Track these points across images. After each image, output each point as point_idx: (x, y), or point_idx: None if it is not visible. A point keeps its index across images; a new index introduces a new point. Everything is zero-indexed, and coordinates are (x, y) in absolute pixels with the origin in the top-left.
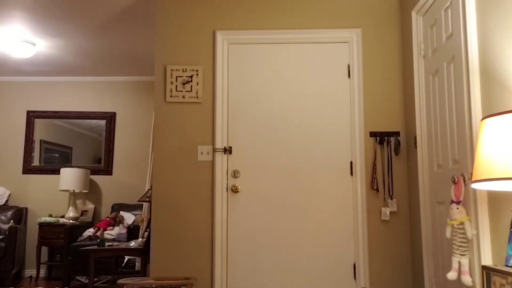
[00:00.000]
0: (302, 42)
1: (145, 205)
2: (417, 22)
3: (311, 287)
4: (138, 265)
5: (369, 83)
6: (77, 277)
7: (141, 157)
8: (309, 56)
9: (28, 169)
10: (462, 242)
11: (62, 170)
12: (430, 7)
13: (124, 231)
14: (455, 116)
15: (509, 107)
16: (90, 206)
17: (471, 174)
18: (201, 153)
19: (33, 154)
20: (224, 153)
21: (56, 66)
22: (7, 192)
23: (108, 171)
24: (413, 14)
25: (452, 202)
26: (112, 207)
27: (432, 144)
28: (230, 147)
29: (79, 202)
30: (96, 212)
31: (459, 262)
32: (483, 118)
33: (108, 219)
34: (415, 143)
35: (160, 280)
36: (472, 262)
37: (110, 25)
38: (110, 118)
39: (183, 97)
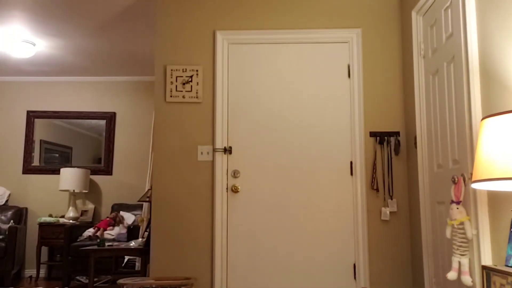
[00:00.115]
0: (302, 42)
1: (145, 205)
2: (417, 22)
3: (311, 287)
4: (138, 265)
5: (369, 83)
6: (77, 277)
7: (141, 157)
8: (309, 56)
9: (28, 169)
10: (462, 242)
11: (62, 170)
12: (430, 7)
13: (124, 231)
14: (455, 116)
15: (509, 107)
16: (90, 206)
17: (471, 174)
18: (201, 153)
19: (33, 154)
20: (224, 153)
21: (56, 66)
22: (7, 192)
23: (108, 171)
24: (413, 14)
25: (452, 202)
26: (112, 207)
27: (432, 144)
28: (230, 147)
29: (79, 202)
30: (96, 212)
31: (459, 262)
32: (483, 118)
33: (108, 219)
34: (415, 143)
35: (160, 280)
36: (472, 262)
37: (110, 25)
38: (110, 118)
39: (183, 97)
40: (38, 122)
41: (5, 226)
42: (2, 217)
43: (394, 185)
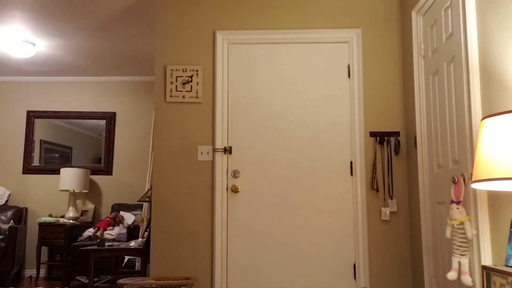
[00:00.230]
0: (302, 42)
1: (145, 205)
2: (417, 22)
3: (311, 287)
4: (138, 265)
5: (369, 83)
6: (77, 277)
7: (141, 157)
8: (309, 56)
9: (28, 169)
10: (462, 242)
11: (62, 170)
12: (430, 7)
13: (124, 231)
14: (455, 116)
15: (509, 107)
16: (90, 206)
17: (471, 174)
18: (201, 153)
19: (33, 154)
20: (224, 153)
21: (56, 66)
22: (7, 192)
23: (108, 171)
24: (413, 14)
25: (452, 202)
26: (112, 207)
27: (432, 144)
28: (230, 147)
29: (79, 202)
30: (96, 212)
31: (459, 262)
32: (483, 118)
33: (108, 219)
34: (415, 143)
35: (160, 280)
36: (472, 262)
37: (110, 25)
38: (110, 118)
39: (183, 97)
40: (38, 122)
41: (5, 226)
42: (2, 217)
43: (394, 185)
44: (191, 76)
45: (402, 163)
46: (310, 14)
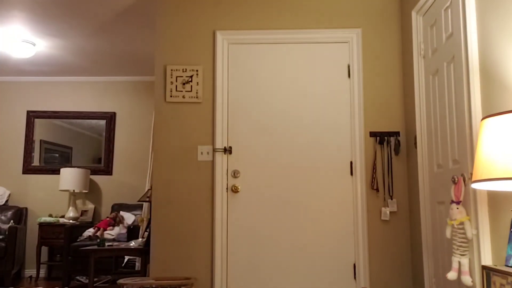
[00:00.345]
0: (302, 42)
1: (145, 205)
2: (417, 22)
3: (311, 287)
4: (138, 265)
5: (369, 83)
6: (77, 277)
7: (141, 157)
8: (309, 56)
9: (28, 169)
10: (462, 242)
11: (62, 170)
12: (430, 7)
13: (124, 231)
14: (455, 116)
15: (509, 107)
16: (90, 206)
17: (471, 174)
18: (201, 153)
19: (33, 154)
20: (224, 153)
21: (56, 66)
22: (7, 192)
23: (108, 171)
24: (413, 14)
25: (452, 202)
26: (112, 207)
27: (432, 144)
28: (230, 147)
29: (79, 202)
30: (96, 212)
31: (459, 262)
32: (483, 118)
33: (108, 219)
34: (415, 143)
35: (160, 280)
36: (472, 262)
37: (110, 25)
38: (110, 118)
39: (183, 97)
40: (38, 122)
41: (5, 226)
42: (2, 217)
43: (394, 185)
44: (191, 76)
45: (402, 163)
46: (310, 14)
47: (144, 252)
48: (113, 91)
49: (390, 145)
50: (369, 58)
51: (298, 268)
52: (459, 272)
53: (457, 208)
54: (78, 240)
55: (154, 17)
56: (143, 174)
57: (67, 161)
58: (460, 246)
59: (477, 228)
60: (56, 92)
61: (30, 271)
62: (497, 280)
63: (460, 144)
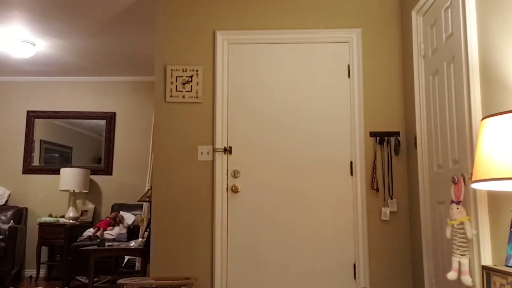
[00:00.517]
0: (302, 42)
1: (145, 205)
2: (417, 22)
3: (311, 287)
4: (138, 265)
5: (369, 83)
6: (77, 277)
7: (141, 157)
8: (309, 56)
9: (28, 169)
10: (462, 242)
11: (62, 170)
12: (430, 7)
13: (124, 231)
14: (455, 116)
15: (509, 107)
16: (90, 206)
17: (471, 174)
18: (201, 153)
19: (33, 154)
20: (224, 153)
21: (56, 66)
22: (7, 192)
23: (108, 171)
24: (413, 14)
25: (452, 202)
26: (112, 207)
27: (432, 144)
28: (230, 147)
29: (79, 202)
30: (96, 212)
31: (459, 262)
32: (483, 118)
33: (108, 219)
34: (415, 143)
35: (160, 280)
36: (472, 262)
37: (110, 25)
38: (110, 118)
39: (183, 97)
40: (38, 122)
41: (5, 226)
42: (2, 217)
43: (394, 185)
44: (191, 76)
45: (402, 163)
46: (310, 14)
47: (144, 252)
48: (113, 91)
49: (390, 145)
50: (369, 58)
51: (298, 268)
52: (459, 272)
53: (457, 208)
54: (78, 240)
55: (154, 17)
56: (143, 174)
57: (67, 161)
58: (460, 246)
59: (477, 228)
60: (56, 92)
61: (30, 271)
62: (497, 280)
63: (460, 144)
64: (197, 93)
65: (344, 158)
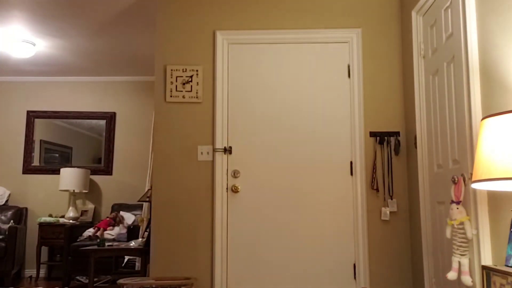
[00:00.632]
0: (302, 42)
1: (145, 205)
2: (417, 22)
3: (311, 287)
4: (138, 265)
5: (369, 83)
6: (77, 277)
7: (141, 157)
8: (309, 56)
9: (28, 169)
10: (462, 242)
11: (62, 170)
12: (430, 7)
13: (124, 231)
14: (455, 116)
15: (509, 107)
16: (90, 206)
17: (471, 174)
18: (201, 153)
19: (33, 154)
20: (224, 153)
21: (56, 66)
22: (7, 192)
23: (108, 171)
24: (413, 14)
25: (452, 202)
26: (112, 207)
27: (432, 144)
28: (230, 147)
29: (79, 202)
30: (96, 212)
31: (459, 262)
32: (483, 118)
33: (108, 219)
34: (415, 143)
35: (160, 280)
36: (472, 262)
37: (110, 25)
38: (110, 118)
39: (183, 97)
40: (38, 122)
41: (5, 226)
42: (2, 217)
43: (394, 185)
44: (191, 76)
45: (402, 163)
46: (310, 14)
47: (144, 252)
48: (113, 91)
49: (390, 145)
50: (369, 58)
51: (298, 268)
52: (459, 272)
53: (457, 208)
54: (78, 240)
55: (154, 17)
56: (143, 174)
57: (67, 161)
58: (460, 246)
59: (477, 228)
60: (56, 92)
61: (30, 271)
62: (497, 280)
63: (460, 144)
64: (197, 93)
65: (344, 158)
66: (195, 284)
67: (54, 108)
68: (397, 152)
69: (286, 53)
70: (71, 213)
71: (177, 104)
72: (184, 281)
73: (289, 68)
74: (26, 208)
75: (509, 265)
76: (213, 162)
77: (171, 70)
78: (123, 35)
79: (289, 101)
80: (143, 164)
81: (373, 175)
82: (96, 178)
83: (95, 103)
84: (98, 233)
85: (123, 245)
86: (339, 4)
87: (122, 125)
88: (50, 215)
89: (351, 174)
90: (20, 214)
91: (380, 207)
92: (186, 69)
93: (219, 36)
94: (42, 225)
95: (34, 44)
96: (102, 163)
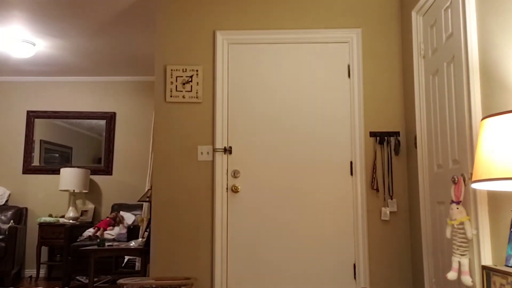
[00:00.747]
0: (302, 42)
1: (145, 205)
2: (417, 22)
3: (311, 287)
4: (138, 265)
5: (369, 83)
6: (77, 277)
7: (141, 157)
8: (309, 56)
9: (28, 169)
10: (462, 242)
11: (62, 170)
12: (430, 7)
13: (124, 231)
14: (455, 116)
15: (509, 107)
16: (90, 206)
17: (471, 174)
18: (201, 153)
19: (33, 154)
20: (224, 153)
21: (56, 66)
22: (7, 192)
23: (108, 171)
24: (413, 14)
25: (452, 202)
26: (112, 207)
27: (432, 144)
28: (230, 147)
29: (79, 202)
30: (96, 212)
31: (459, 262)
32: (483, 118)
33: (108, 219)
34: (415, 143)
35: (160, 280)
36: (472, 262)
37: (110, 25)
38: (110, 118)
39: (183, 97)
40: (38, 122)
41: (5, 226)
42: (2, 217)
43: (394, 185)
44: (191, 76)
45: (402, 163)
46: (310, 14)
47: (144, 252)
48: (113, 91)
49: (390, 145)
50: (369, 58)
51: (298, 268)
52: (459, 272)
53: (457, 208)
54: (78, 240)
55: (154, 17)
56: (143, 174)
57: (67, 161)
58: (460, 246)
59: (477, 228)
60: (56, 92)
61: (30, 271)
62: (497, 280)
63: (460, 144)
64: (197, 93)
65: (344, 158)
66: (195, 284)
67: (54, 108)
68: (397, 152)
69: (286, 53)
70: (71, 213)
71: (177, 104)
72: (184, 281)
73: (289, 68)
74: (26, 208)
75: (509, 265)
76: (213, 162)
77: (171, 70)
78: (123, 35)
79: (289, 101)
80: (143, 164)
81: (373, 175)
82: (96, 178)
83: (95, 103)
84: (98, 233)
85: (123, 245)
86: (339, 4)
87: (122, 125)
88: (50, 215)
89: (351, 174)
90: (20, 214)
91: (380, 207)
92: (186, 69)
93: (219, 36)
94: (42, 225)
95: (34, 44)
96: (102, 163)
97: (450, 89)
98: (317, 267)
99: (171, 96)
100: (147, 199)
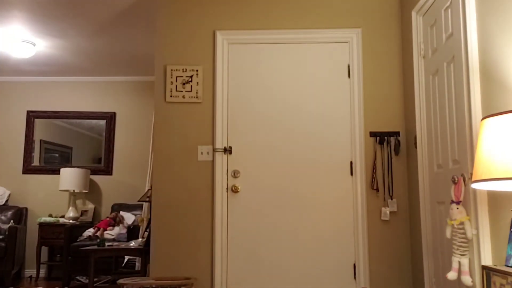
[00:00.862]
0: (302, 42)
1: (145, 205)
2: (417, 22)
3: (311, 287)
4: (138, 265)
5: (369, 83)
6: (77, 277)
7: (141, 157)
8: (309, 56)
9: (28, 169)
10: (462, 242)
11: (62, 170)
12: (430, 7)
13: (124, 231)
14: (455, 116)
15: (509, 107)
16: (90, 206)
17: (471, 174)
18: (201, 153)
19: (33, 154)
20: (224, 153)
21: (56, 66)
22: (7, 192)
23: (108, 171)
24: (413, 14)
25: (452, 202)
26: (112, 207)
27: (432, 144)
28: (230, 147)
29: (79, 202)
30: (96, 212)
31: (459, 262)
32: (483, 118)
33: (108, 219)
34: (415, 143)
35: (160, 280)
36: (472, 262)
37: (110, 25)
38: (110, 118)
39: (183, 97)
40: (38, 122)
41: (5, 226)
42: (2, 217)
43: (394, 185)
44: (191, 76)
45: (402, 163)
46: (310, 14)
47: (144, 252)
48: (113, 91)
49: (390, 145)
50: (369, 58)
51: (298, 268)
52: (459, 272)
53: (457, 208)
54: (78, 240)
55: (154, 17)
56: (143, 174)
57: (67, 161)
58: (460, 246)
59: (477, 228)
60: (56, 92)
61: (30, 271)
62: (497, 280)
63: (460, 144)
64: (197, 93)
65: (344, 158)
66: (195, 284)
67: (54, 108)
68: (397, 152)
69: (286, 53)
70: (71, 213)
71: (177, 104)
72: (184, 281)
73: (289, 68)
74: (26, 208)
75: (509, 265)
76: (213, 162)
77: (171, 70)
78: (123, 35)
79: (289, 101)
80: (143, 164)
81: (373, 175)
82: (96, 178)
83: (95, 103)
84: (98, 233)
85: (123, 245)
86: (339, 4)
87: (122, 125)
88: (50, 215)
89: (351, 174)
90: (20, 214)
91: (380, 207)
92: (186, 69)
93: (219, 36)
94: (42, 225)
95: (34, 44)
96: (102, 163)
97: (450, 89)
98: (317, 267)
99: (171, 96)
100: (147, 199)
